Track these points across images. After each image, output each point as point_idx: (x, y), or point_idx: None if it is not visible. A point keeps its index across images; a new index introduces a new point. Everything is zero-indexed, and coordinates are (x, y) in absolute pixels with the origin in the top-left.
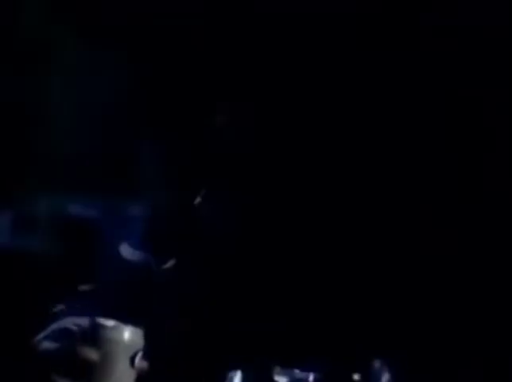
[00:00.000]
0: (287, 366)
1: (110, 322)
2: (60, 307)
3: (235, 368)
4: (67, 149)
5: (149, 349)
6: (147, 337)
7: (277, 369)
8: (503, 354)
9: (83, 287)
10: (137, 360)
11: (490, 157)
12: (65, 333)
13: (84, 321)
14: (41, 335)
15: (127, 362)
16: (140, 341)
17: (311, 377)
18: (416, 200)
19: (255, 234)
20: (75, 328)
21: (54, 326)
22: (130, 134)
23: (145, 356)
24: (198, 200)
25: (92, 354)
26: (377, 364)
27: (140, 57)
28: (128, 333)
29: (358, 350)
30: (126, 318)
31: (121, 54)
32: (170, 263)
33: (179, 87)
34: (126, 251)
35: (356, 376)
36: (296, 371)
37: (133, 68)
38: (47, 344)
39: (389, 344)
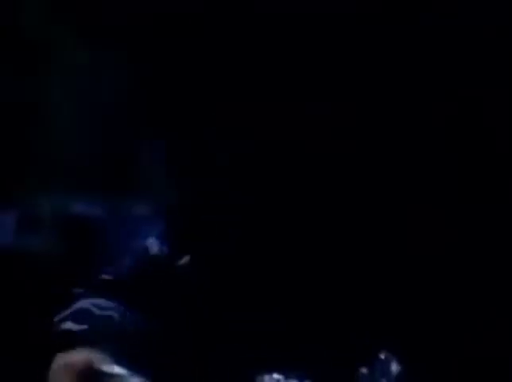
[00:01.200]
0: (285, 366)
1: (116, 369)
2: (79, 290)
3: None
4: (68, 149)
5: (154, 343)
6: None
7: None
8: (502, 352)
9: (104, 276)
10: None
11: (490, 157)
12: (86, 313)
13: (104, 303)
14: (62, 315)
15: None
16: None
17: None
18: (414, 199)
19: (256, 233)
20: (95, 309)
21: (74, 307)
22: (130, 134)
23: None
24: (198, 199)
25: None
26: (383, 355)
27: (140, 57)
28: None
29: (362, 343)
30: (140, 307)
31: (121, 54)
32: (185, 259)
33: (179, 87)
34: (153, 245)
35: (363, 370)
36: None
37: (133, 68)
38: (69, 325)
39: (395, 334)
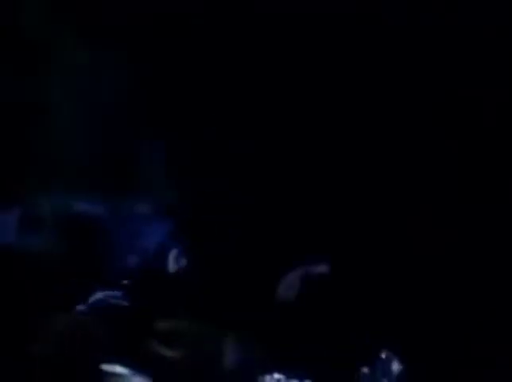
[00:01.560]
0: (286, 366)
1: (119, 369)
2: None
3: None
4: (69, 148)
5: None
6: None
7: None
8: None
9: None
10: None
11: (490, 157)
12: (102, 301)
13: (115, 294)
14: (82, 306)
15: None
16: None
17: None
18: (415, 200)
19: (256, 233)
20: (112, 300)
21: (94, 298)
22: (130, 134)
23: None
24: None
25: None
26: (384, 354)
27: (140, 57)
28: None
29: (363, 343)
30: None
31: (121, 54)
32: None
33: (179, 87)
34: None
35: (364, 369)
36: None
37: (133, 68)
38: (94, 310)
39: (396, 333)
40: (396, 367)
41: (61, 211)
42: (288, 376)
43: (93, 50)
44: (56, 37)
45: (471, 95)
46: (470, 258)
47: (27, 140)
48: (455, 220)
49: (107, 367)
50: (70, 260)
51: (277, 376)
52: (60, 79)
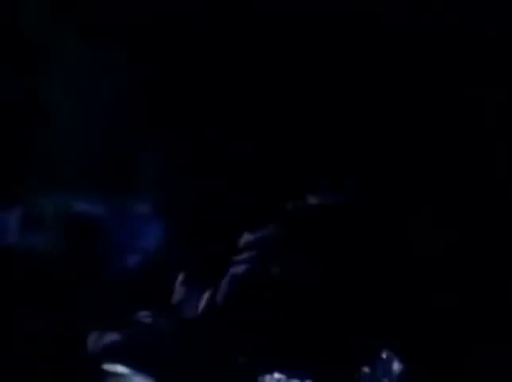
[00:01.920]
0: (287, 366)
1: (120, 368)
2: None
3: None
4: (69, 148)
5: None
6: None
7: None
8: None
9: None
10: None
11: (490, 157)
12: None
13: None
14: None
15: None
16: None
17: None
18: (416, 199)
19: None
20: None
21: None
22: (130, 134)
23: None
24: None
25: None
26: (385, 354)
27: (140, 57)
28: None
29: (363, 343)
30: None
31: (121, 54)
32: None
33: (179, 87)
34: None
35: (365, 369)
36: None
37: (133, 68)
38: None
39: (396, 333)
40: (396, 367)
41: (61, 211)
42: (288, 376)
43: (93, 50)
44: (56, 37)
45: (471, 95)
46: (470, 258)
47: (27, 140)
48: (454, 220)
49: (108, 367)
50: (70, 260)
51: (277, 375)
52: (60, 79)
